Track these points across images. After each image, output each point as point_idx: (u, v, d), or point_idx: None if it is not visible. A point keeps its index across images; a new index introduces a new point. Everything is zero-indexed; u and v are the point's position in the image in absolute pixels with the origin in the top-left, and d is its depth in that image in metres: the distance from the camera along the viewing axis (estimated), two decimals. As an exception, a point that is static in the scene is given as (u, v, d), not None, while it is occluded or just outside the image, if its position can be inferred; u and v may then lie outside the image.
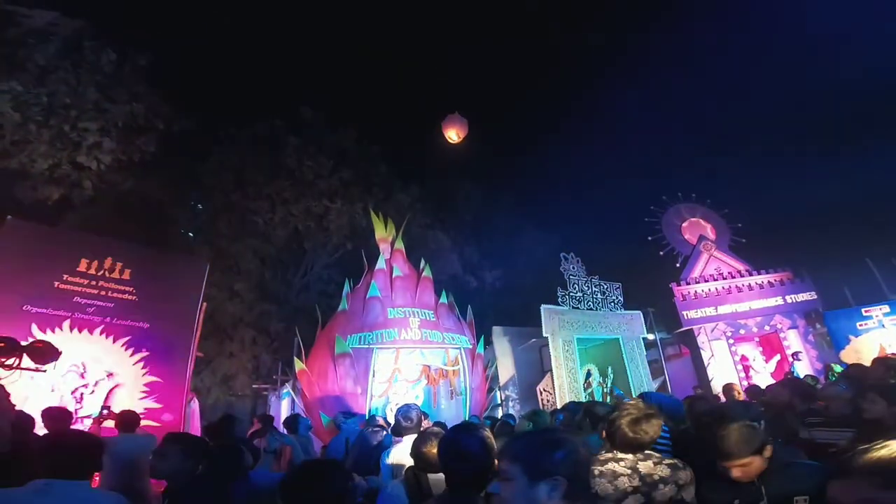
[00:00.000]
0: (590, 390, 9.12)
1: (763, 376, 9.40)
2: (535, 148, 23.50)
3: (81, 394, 5.53)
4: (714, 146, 18.64)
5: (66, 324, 5.69)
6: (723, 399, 5.61)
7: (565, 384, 8.21)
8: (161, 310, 6.44)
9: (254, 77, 17.30)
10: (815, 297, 9.88)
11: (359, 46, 20.96)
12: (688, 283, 10.46)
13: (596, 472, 1.95)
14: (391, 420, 4.48)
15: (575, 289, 9.10)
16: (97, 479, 3.51)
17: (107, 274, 6.15)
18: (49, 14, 8.17)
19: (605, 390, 9.15)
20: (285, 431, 5.25)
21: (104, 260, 6.18)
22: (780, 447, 1.96)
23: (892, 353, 6.74)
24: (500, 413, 8.96)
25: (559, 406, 7.28)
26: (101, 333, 5.90)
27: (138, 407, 5.47)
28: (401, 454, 2.87)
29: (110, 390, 5.64)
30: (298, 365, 7.80)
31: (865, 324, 8.70)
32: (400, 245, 9.09)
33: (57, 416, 3.59)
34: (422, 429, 3.26)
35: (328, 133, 14.37)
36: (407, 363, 7.96)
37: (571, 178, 21.51)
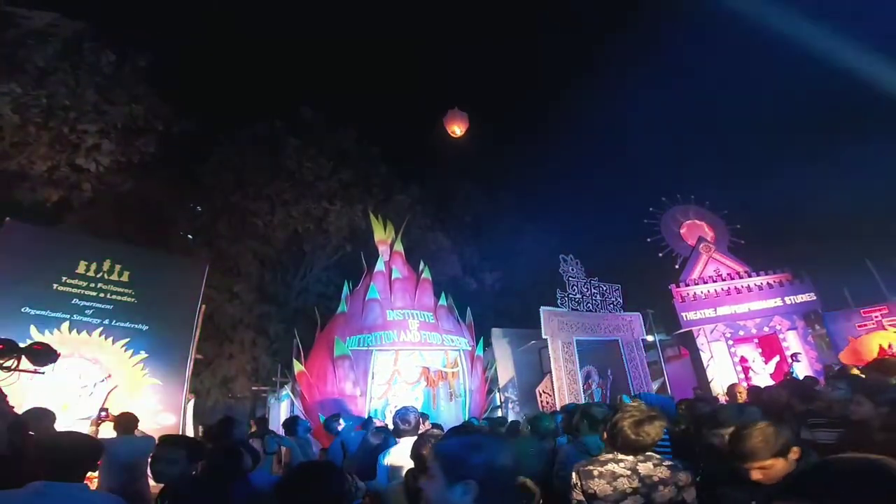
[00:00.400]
0: (589, 392, 9.11)
1: (762, 377, 9.40)
2: (535, 149, 23.53)
3: (79, 395, 5.52)
4: (714, 147, 18.71)
5: (65, 325, 5.68)
6: (726, 400, 5.61)
7: (565, 386, 8.20)
8: (160, 311, 6.44)
9: (254, 77, 17.36)
10: (815, 298, 9.88)
11: (358, 47, 20.99)
12: (687, 285, 10.46)
13: (595, 472, 1.95)
14: (389, 422, 4.47)
15: (574, 290, 9.11)
16: (95, 480, 3.50)
17: (106, 276, 6.15)
18: (49, 15, 8.17)
19: (605, 392, 9.15)
20: (284, 433, 5.23)
21: (103, 262, 6.18)
22: None
23: (893, 353, 6.74)
24: (499, 414, 8.95)
25: (558, 407, 7.29)
26: (100, 335, 5.89)
27: (137, 408, 5.45)
28: (398, 456, 2.86)
29: (108, 392, 5.63)
30: (298, 367, 7.79)
31: (865, 325, 8.71)
32: (399, 247, 9.10)
33: (41, 416, 3.53)
34: (420, 431, 3.27)
35: (328, 134, 14.38)
36: (406, 365, 7.95)
37: (571, 180, 21.58)
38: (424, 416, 5.23)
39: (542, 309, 8.59)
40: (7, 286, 5.40)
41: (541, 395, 9.22)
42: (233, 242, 12.55)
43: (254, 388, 12.53)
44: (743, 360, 9.85)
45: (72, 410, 5.35)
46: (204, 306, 7.39)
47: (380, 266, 8.64)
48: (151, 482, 3.38)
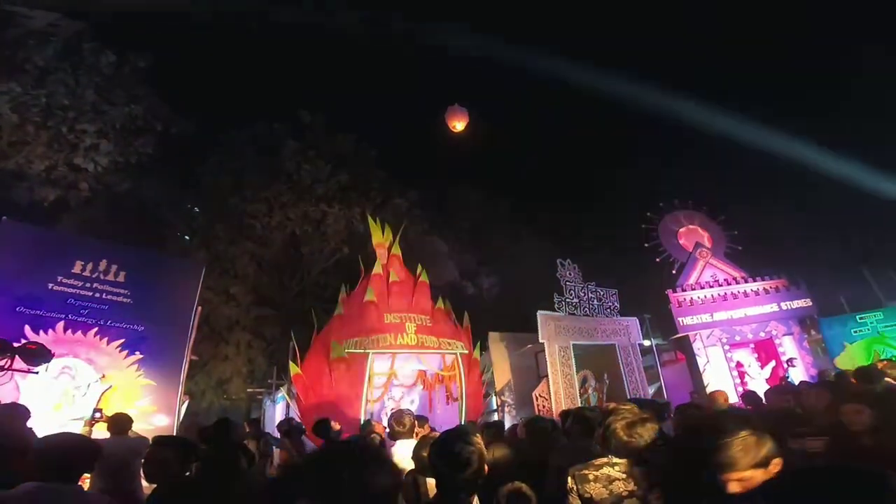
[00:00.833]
0: (585, 396, 9.10)
1: (758, 382, 9.41)
2: (534, 153, 23.61)
3: (73, 395, 5.48)
4: (711, 152, 18.74)
5: (60, 325, 5.65)
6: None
7: (561, 390, 8.19)
8: (156, 312, 6.40)
9: (253, 79, 17.37)
10: (811, 303, 9.91)
11: (358, 47, 21.00)
12: (684, 290, 10.49)
13: (591, 476, 1.95)
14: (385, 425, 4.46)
15: (571, 295, 9.11)
16: (88, 481, 3.47)
17: (101, 276, 6.12)
18: (50, 15, 8.19)
19: (601, 396, 9.14)
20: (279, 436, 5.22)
21: (99, 262, 6.15)
22: None
23: (886, 361, 6.75)
24: (495, 418, 8.93)
25: (555, 412, 7.28)
26: (95, 335, 5.86)
27: (131, 409, 5.42)
28: (395, 458, 2.86)
29: (102, 392, 5.60)
30: (294, 369, 7.76)
31: (860, 330, 8.76)
32: (397, 250, 9.09)
33: (12, 414, 3.46)
34: (415, 433, 3.28)
35: (326, 137, 14.40)
36: (403, 368, 7.94)
37: (569, 184, 21.64)
38: (422, 419, 5.22)
39: (539, 313, 8.59)
40: (1, 285, 5.37)
41: (537, 399, 9.20)
42: (230, 244, 12.53)
43: (249, 389, 12.48)
44: (739, 364, 9.86)
45: (65, 411, 5.32)
46: (200, 308, 7.36)
47: (377, 269, 8.63)
48: (144, 483, 3.35)
